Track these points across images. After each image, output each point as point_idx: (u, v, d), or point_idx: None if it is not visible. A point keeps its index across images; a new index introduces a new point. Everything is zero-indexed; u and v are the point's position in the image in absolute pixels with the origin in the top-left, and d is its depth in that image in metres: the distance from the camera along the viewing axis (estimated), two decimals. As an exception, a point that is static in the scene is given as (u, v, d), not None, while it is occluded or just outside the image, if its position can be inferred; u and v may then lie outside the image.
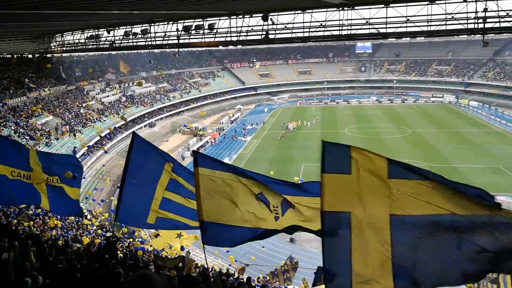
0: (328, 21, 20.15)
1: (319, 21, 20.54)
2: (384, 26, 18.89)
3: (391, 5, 18.14)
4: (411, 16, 18.46)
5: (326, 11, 20.25)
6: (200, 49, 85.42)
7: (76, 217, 19.09)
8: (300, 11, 20.58)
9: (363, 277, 4.09)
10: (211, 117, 73.86)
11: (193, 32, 23.84)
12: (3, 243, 8.05)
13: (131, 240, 19.51)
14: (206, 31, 23.39)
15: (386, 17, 18.50)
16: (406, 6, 18.36)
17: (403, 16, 18.58)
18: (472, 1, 16.35)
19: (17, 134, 37.42)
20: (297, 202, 5.65)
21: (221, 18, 22.94)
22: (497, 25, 16.87)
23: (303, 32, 21.09)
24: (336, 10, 19.66)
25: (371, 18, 18.81)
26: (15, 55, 49.06)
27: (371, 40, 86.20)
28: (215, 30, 23.16)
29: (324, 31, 20.65)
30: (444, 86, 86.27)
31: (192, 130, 60.87)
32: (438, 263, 3.96)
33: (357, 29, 19.97)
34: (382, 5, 18.28)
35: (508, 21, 16.46)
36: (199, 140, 55.72)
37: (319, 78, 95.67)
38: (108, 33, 28.92)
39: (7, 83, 44.54)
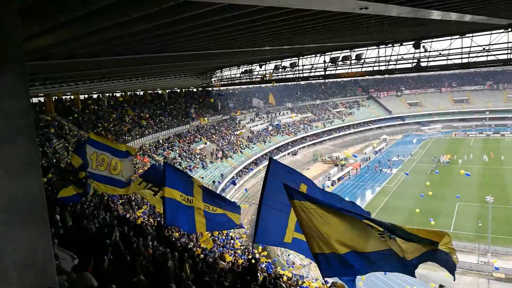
0: (492, 44, 18.01)
1: (481, 45, 18.54)
2: None
3: None
4: None
5: (491, 33, 18.16)
6: (345, 79, 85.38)
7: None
8: (458, 36, 18.96)
9: None
10: (354, 147, 72.27)
11: (339, 63, 24.08)
12: (167, 252, 9.25)
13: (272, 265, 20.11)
14: (353, 61, 23.36)
15: None
16: None
17: None
18: None
19: (181, 157, 42.97)
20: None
21: (369, 48, 22.66)
22: None
23: (461, 57, 19.26)
24: (503, 32, 17.47)
25: (550, 38, 16.13)
26: (183, 89, 56.94)
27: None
28: (362, 60, 22.95)
29: (487, 55, 18.50)
30: None
31: (333, 159, 60.52)
32: None
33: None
34: None
35: None
36: (340, 170, 54.92)
37: (479, 107, 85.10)
38: (260, 67, 31.37)
39: (176, 113, 51.86)
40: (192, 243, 17.03)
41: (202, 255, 13.77)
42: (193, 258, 10.64)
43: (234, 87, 66.88)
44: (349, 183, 49.52)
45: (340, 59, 23.72)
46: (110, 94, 46.99)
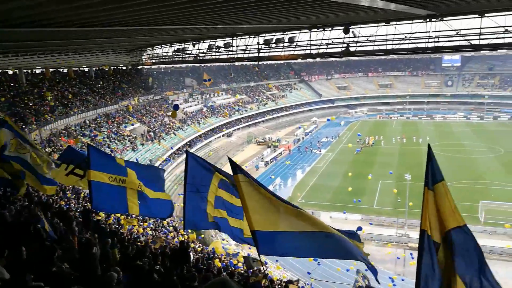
0: (413, 33, 19.22)
1: (403, 33, 19.69)
2: (477, 37, 17.48)
3: (486, 14, 16.77)
4: (510, 26, 16.87)
5: (412, 23, 19.34)
6: (278, 62, 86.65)
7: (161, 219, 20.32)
8: (383, 24, 19.93)
9: None
10: (286, 129, 74.17)
11: (273, 45, 24.24)
12: (93, 239, 8.80)
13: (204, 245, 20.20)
14: (286, 44, 23.63)
15: (480, 28, 17.11)
16: (505, 15, 16.82)
17: (500, 26, 17.06)
18: None
19: (109, 139, 40.97)
20: None
21: (301, 31, 23.04)
22: None
23: (386, 44, 20.34)
24: (422, 22, 18.70)
25: (462, 29, 17.52)
26: (111, 67, 53.92)
27: (461, 52, 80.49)
28: (295, 43, 23.31)
29: (408, 43, 19.72)
30: (547, 103, 77.41)
31: (266, 141, 61.66)
32: None
33: (446, 41, 18.76)
34: (476, 15, 16.99)
35: None
36: (273, 151, 56.18)
37: (401, 91, 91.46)
38: (193, 46, 30.58)
39: (103, 92, 49.10)
40: (122, 228, 16.47)
41: (131, 240, 13.38)
42: (122, 243, 10.29)
43: (167, 66, 64.83)
44: (281, 164, 50.89)
45: (274, 41, 23.89)
46: (29, 71, 43.20)
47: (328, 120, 75.02)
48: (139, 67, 52.25)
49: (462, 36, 17.75)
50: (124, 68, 57.03)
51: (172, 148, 47.79)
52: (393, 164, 46.12)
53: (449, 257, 3.86)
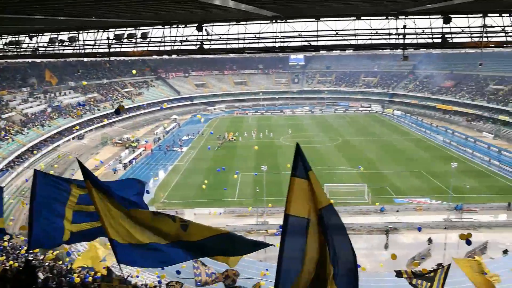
0: (262, 33, 20.52)
1: (253, 33, 20.86)
2: (315, 39, 19.65)
3: (321, 19, 18.96)
4: (340, 30, 19.44)
5: (260, 23, 20.63)
6: (133, 58, 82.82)
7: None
8: (234, 23, 20.76)
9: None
10: (145, 128, 71.68)
11: (125, 40, 22.99)
12: None
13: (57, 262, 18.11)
14: (139, 40, 22.68)
15: (317, 31, 19.27)
16: (335, 20, 19.32)
17: (332, 30, 19.50)
18: (393, 19, 17.62)
19: None
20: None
21: (154, 27, 22.39)
22: (414, 41, 18.34)
23: (238, 43, 21.27)
24: (269, 23, 20.11)
25: (303, 31, 19.49)
26: None
27: (303, 52, 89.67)
28: (148, 39, 22.54)
29: (258, 42, 20.99)
30: (371, 96, 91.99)
31: (124, 141, 58.55)
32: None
33: (290, 41, 20.59)
34: (313, 19, 19.05)
35: (424, 38, 17.96)
36: (132, 152, 53.67)
37: (255, 89, 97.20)
38: (31, 39, 26.91)
39: None
40: None
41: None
42: None
43: (-2, 61, 55.94)
44: (142, 165, 49.00)
45: (125, 36, 22.67)
46: None
47: (194, 116, 75.73)
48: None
49: (303, 37, 19.68)
50: None
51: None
52: (251, 158, 48.77)
53: (320, 232, 4.29)
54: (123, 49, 24.14)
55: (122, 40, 23.12)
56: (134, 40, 22.79)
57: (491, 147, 53.88)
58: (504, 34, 17.53)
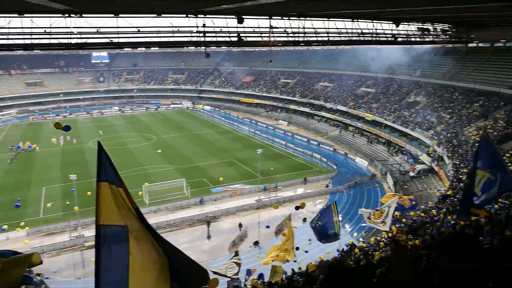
0: (53, 27, 18.29)
1: (42, 27, 18.40)
2: (116, 36, 18.68)
3: (120, 15, 18.12)
4: (142, 27, 19.03)
5: (50, 16, 18.31)
6: None
7: None
8: (16, 15, 17.87)
9: None
10: None
11: None
12: None
13: None
14: None
15: (118, 27, 18.38)
16: (136, 17, 18.75)
17: (134, 27, 18.94)
18: (192, 17, 18.28)
19: None
20: None
21: None
22: (214, 39, 19.51)
23: (24, 38, 18.45)
24: (62, 17, 18.06)
25: (102, 27, 18.26)
26: None
27: (106, 49, 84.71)
28: None
29: (50, 38, 18.66)
30: (181, 93, 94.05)
31: None
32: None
33: (89, 38, 19.02)
34: (112, 15, 18.04)
35: (223, 36, 19.30)
36: None
37: (53, 89, 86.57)
38: None
39: None
40: None
41: None
42: None
43: None
44: None
45: None
46: None
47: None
48: None
49: (103, 34, 18.47)
50: None
51: None
52: (56, 166, 43.56)
53: (144, 229, 4.10)
54: None
55: None
56: None
57: (286, 132, 62.53)
58: (286, 35, 20.37)
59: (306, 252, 20.85)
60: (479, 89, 43.63)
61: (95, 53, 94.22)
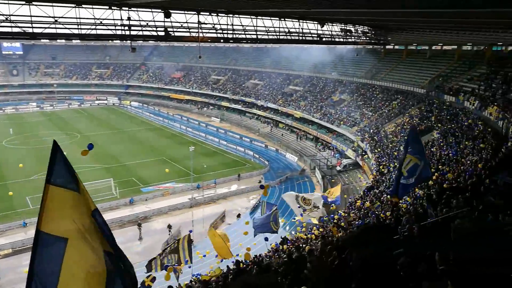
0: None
1: None
2: (29, 25, 17.04)
3: (34, 3, 16.58)
4: (60, 17, 17.58)
5: None
6: None
7: None
8: None
9: None
10: None
11: None
12: None
13: None
14: None
15: (31, 16, 16.76)
16: (52, 6, 17.23)
17: (50, 17, 17.42)
18: (116, 9, 17.30)
19: None
20: None
21: None
22: (140, 33, 18.69)
23: None
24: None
25: (12, 15, 16.49)
26: None
27: (19, 40, 77.81)
28: None
29: None
30: (107, 88, 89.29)
31: None
32: None
33: (-3, 27, 17.15)
34: (24, 2, 16.42)
35: (149, 30, 18.56)
36: None
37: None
38: None
39: None
40: None
41: None
42: None
43: None
44: None
45: None
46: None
47: None
48: None
49: (13, 22, 16.77)
50: None
51: None
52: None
53: (98, 233, 3.97)
54: None
55: None
56: None
57: (219, 129, 62.24)
58: (215, 31, 20.15)
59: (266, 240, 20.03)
60: (397, 88, 46.99)
61: (6, 44, 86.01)
